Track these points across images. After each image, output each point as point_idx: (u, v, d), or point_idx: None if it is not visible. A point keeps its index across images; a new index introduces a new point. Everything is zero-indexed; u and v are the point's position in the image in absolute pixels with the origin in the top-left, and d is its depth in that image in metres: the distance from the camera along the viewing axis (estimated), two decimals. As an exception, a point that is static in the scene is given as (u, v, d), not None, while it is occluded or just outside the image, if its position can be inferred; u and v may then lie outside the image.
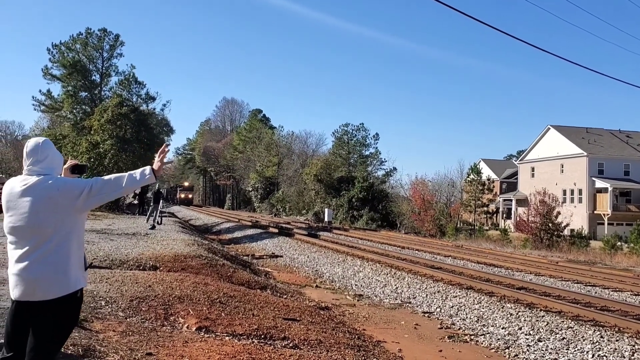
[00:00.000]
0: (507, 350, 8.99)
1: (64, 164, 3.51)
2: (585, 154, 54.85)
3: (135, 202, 37.08)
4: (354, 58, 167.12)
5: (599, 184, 53.70)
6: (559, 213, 39.93)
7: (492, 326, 10.47)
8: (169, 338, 6.14)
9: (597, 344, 9.03)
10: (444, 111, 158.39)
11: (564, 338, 9.45)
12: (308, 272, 17.52)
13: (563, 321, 10.39)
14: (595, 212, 53.38)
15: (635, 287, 15.92)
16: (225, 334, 6.92)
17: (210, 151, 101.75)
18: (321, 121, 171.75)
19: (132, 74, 48.82)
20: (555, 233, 39.01)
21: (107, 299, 7.44)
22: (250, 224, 37.52)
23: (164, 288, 8.52)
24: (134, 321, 6.71)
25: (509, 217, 62.80)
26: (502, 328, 10.29)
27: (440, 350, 8.78)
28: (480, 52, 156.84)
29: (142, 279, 9.08)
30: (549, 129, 60.79)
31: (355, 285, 15.24)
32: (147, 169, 3.33)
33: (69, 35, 63.02)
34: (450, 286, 14.24)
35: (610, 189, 52.59)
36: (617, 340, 9.13)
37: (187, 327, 6.99)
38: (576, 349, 8.89)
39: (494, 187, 63.74)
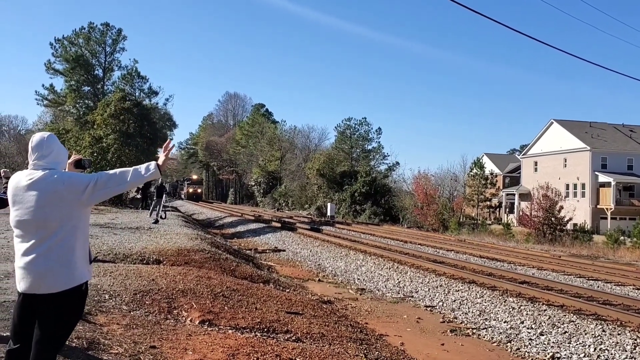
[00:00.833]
0: (509, 344, 9.01)
1: (69, 158, 3.54)
2: (589, 148, 54.72)
3: (139, 196, 37.16)
4: (356, 53, 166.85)
5: (602, 178, 53.60)
6: (561, 207, 39.89)
7: (494, 320, 10.50)
8: (173, 331, 6.18)
9: (598, 337, 9.06)
10: (447, 105, 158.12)
11: (566, 332, 9.47)
12: (311, 266, 17.57)
13: (565, 315, 10.42)
14: (598, 206, 53.30)
15: (638, 281, 15.93)
16: (228, 328, 6.96)
17: (213, 146, 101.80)
18: (324, 115, 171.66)
19: (134, 69, 48.93)
20: (558, 227, 39.00)
21: (111, 292, 7.48)
22: (253, 218, 37.58)
23: (167, 282, 8.57)
24: (137, 314, 6.75)
25: (511, 211, 62.73)
26: (504, 322, 10.31)
27: (443, 344, 8.82)
28: (483, 47, 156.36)
29: (146, 272, 9.13)
30: (552, 123, 60.64)
31: (358, 279, 15.27)
32: (152, 164, 3.35)
33: (71, 29, 63.04)
34: (452, 280, 14.28)
35: (613, 183, 52.49)
36: (619, 334, 9.15)
37: (191, 321, 7.03)
38: (578, 342, 8.91)
39: (496, 181, 63.75)
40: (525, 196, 56.35)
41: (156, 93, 50.96)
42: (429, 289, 13.50)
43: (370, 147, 70.63)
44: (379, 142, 70.87)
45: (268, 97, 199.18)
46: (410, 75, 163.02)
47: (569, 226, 40.72)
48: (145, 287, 8.03)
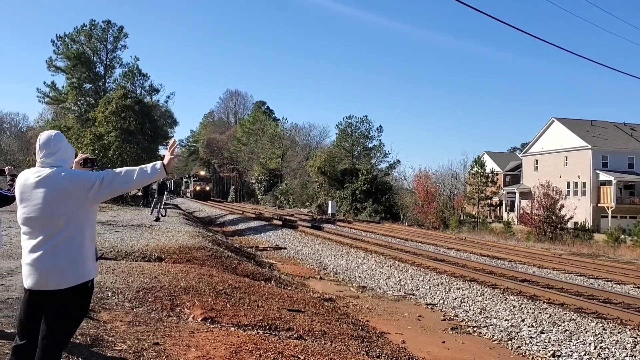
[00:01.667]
0: (510, 341, 9.05)
1: (75, 157, 3.58)
2: (590, 146, 54.70)
3: (140, 194, 37.18)
4: (358, 50, 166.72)
5: (603, 176, 53.60)
6: (562, 206, 39.90)
7: (495, 318, 10.53)
8: (176, 328, 6.22)
9: (599, 335, 9.09)
10: (447, 104, 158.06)
11: (566, 330, 9.50)
12: (312, 264, 17.61)
13: (566, 313, 10.45)
14: (599, 205, 53.30)
15: (638, 280, 15.97)
16: (230, 325, 6.99)
17: (213, 143, 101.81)
18: (325, 113, 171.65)
19: (136, 66, 48.88)
20: (559, 226, 39.01)
21: (114, 289, 7.52)
22: (254, 216, 37.63)
23: (169, 279, 8.60)
24: (140, 312, 6.79)
25: (512, 209, 62.76)
26: (505, 320, 10.35)
27: (444, 342, 8.85)
28: (484, 45, 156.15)
29: (148, 270, 9.16)
30: (553, 121, 60.61)
31: (359, 277, 15.31)
32: (158, 163, 3.39)
33: (73, 27, 63.04)
34: (453, 278, 14.31)
35: (614, 182, 52.48)
36: (619, 332, 9.19)
37: (193, 318, 7.07)
38: (579, 340, 8.94)
39: (497, 179, 63.76)
40: (526, 194, 56.37)
41: (157, 90, 50.94)
42: (429, 287, 13.53)
43: (371, 145, 70.68)
44: (380, 140, 71.09)
45: (269, 94, 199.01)
46: (411, 73, 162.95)
47: (569, 225, 40.74)
48: (147, 284, 8.06)
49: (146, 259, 11.44)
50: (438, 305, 11.86)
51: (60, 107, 51.25)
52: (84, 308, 3.29)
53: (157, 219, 22.09)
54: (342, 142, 69.30)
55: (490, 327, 9.96)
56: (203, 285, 8.57)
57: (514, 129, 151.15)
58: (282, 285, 11.64)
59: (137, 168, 3.36)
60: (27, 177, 3.26)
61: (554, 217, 39.12)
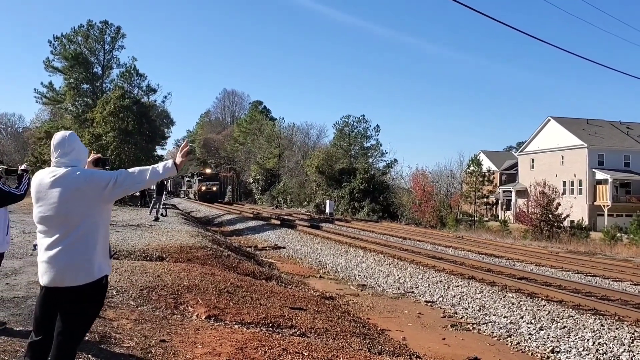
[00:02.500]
0: (509, 338, 9.15)
1: (88, 157, 3.67)
2: (586, 145, 54.92)
3: (137, 194, 37.22)
4: (355, 49, 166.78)
5: (599, 175, 53.82)
6: (559, 204, 40.07)
7: (494, 315, 10.64)
8: (180, 326, 6.30)
9: (597, 332, 9.20)
10: (444, 103, 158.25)
11: (565, 327, 9.61)
12: (311, 262, 17.69)
13: (564, 310, 10.56)
14: (595, 203, 53.51)
15: (635, 277, 16.10)
16: (234, 323, 7.08)
17: (210, 143, 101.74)
18: (322, 113, 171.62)
19: (133, 66, 48.85)
20: (555, 224, 39.17)
21: (118, 288, 7.60)
22: (251, 216, 37.68)
23: (172, 278, 8.69)
24: (145, 310, 6.87)
25: (508, 208, 62.97)
26: (504, 317, 10.46)
27: (444, 339, 8.95)
28: (481, 44, 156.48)
29: (151, 269, 9.24)
30: (549, 120, 60.82)
31: (359, 275, 15.40)
32: (170, 162, 3.48)
33: (70, 27, 62.95)
34: (452, 276, 14.42)
35: (610, 180, 52.71)
36: (617, 329, 9.30)
37: (197, 316, 7.15)
38: (577, 337, 9.05)
39: (493, 178, 63.92)
40: (522, 193, 56.56)
41: (154, 91, 50.90)
42: (429, 285, 13.64)
43: (368, 145, 70.79)
44: (378, 140, 71.05)
45: (266, 94, 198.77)
46: (408, 72, 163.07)
47: (566, 223, 40.91)
48: (151, 283, 8.14)
49: (148, 258, 11.51)
50: (437, 302, 11.96)
51: (57, 108, 51.22)
52: (99, 304, 3.37)
53: (157, 219, 22.15)
54: (340, 141, 69.39)
55: (490, 324, 10.07)
56: (205, 284, 8.66)
57: (510, 127, 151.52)
58: (283, 284, 11.73)
59: (149, 167, 3.46)
60: (42, 177, 3.34)
61: (550, 216, 39.28)
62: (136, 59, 49.49)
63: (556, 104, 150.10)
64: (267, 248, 21.04)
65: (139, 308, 6.89)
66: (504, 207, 64.96)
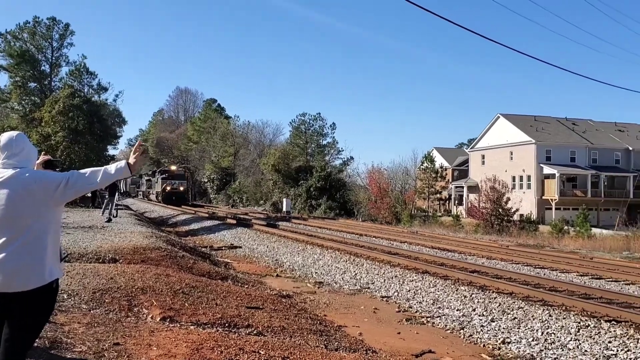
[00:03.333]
0: (462, 330, 9.38)
1: (37, 158, 3.58)
2: (534, 141, 56.59)
3: (89, 195, 36.30)
4: (309, 46, 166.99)
5: (547, 170, 55.56)
6: (508, 199, 41.20)
7: (448, 308, 10.88)
8: (135, 328, 6.21)
9: (545, 322, 9.52)
10: (398, 101, 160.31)
11: (515, 318, 9.91)
12: (268, 261, 17.67)
13: (514, 302, 10.89)
14: (543, 197, 55.23)
15: (581, 268, 16.72)
16: (190, 323, 7.02)
17: (163, 142, 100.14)
18: (278, 111, 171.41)
19: (83, 64, 47.63)
20: (506, 218, 40.28)
21: (69, 292, 7.43)
22: (207, 215, 37.30)
23: (126, 280, 8.54)
24: (98, 313, 6.75)
25: (460, 203, 64.33)
26: (457, 310, 10.71)
27: (399, 333, 9.11)
28: (431, 44, 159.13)
29: (104, 271, 9.06)
30: (498, 117, 62.40)
31: (316, 273, 15.48)
32: (123, 162, 3.43)
33: (15, 23, 60.80)
34: (406, 271, 14.66)
35: (557, 175, 54.47)
36: (564, 318, 9.64)
37: (152, 318, 7.06)
38: (527, 327, 9.35)
39: (446, 174, 65.24)
40: (474, 188, 57.91)
41: (105, 89, 49.77)
42: (384, 280, 13.83)
43: (325, 142, 71.19)
44: (334, 137, 71.55)
45: (220, 92, 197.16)
46: (362, 69, 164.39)
47: (515, 217, 42.11)
48: (104, 285, 7.99)
49: (100, 260, 11.29)
50: (393, 297, 12.15)
51: (3, 107, 49.46)
52: (49, 309, 3.30)
53: (109, 220, 21.71)
54: (296, 139, 69.50)
55: (443, 317, 10.30)
56: (160, 285, 8.55)
57: (462, 124, 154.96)
58: (239, 284, 11.68)
59: (102, 168, 3.40)
60: None
61: (500, 210, 40.36)
62: (86, 57, 48.33)
63: (506, 101, 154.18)
64: (223, 248, 20.90)
65: (92, 311, 6.76)
66: (456, 202, 66.33)
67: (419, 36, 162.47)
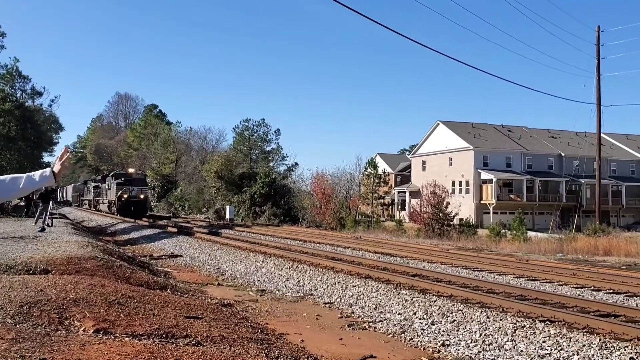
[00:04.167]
0: (403, 334, 9.45)
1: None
2: (472, 147, 58.24)
3: (22, 203, 34.76)
4: (251, 52, 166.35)
5: (485, 175, 57.24)
6: (448, 203, 42.15)
7: (389, 312, 10.96)
8: (65, 342, 5.92)
9: (484, 324, 9.72)
10: (342, 108, 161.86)
11: (454, 320, 10.08)
12: (209, 270, 17.36)
13: (454, 304, 11.07)
14: (481, 201, 56.85)
15: (517, 270, 17.23)
16: (125, 335, 6.76)
17: (102, 149, 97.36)
18: (221, 117, 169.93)
19: (15, 68, 45.54)
20: (446, 222, 41.16)
21: (-6, 306, 7.03)
22: (147, 224, 36.41)
23: (57, 291, 8.16)
24: (24, 327, 6.40)
25: (403, 208, 65.43)
26: (399, 314, 10.80)
27: (341, 339, 9.09)
28: (372, 50, 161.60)
29: (33, 283, 8.63)
30: (438, 124, 63.92)
31: (258, 280, 15.31)
32: (48, 170, 3.25)
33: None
34: (349, 276, 14.69)
35: (494, 180, 56.21)
36: (501, 320, 9.87)
37: (84, 330, 6.76)
38: (465, 329, 9.52)
39: (389, 180, 66.23)
40: (415, 193, 59.04)
41: (40, 94, 47.79)
42: (327, 286, 13.81)
43: (269, 148, 70.83)
44: (278, 143, 71.27)
45: (161, 98, 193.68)
46: (305, 75, 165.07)
47: (455, 221, 43.10)
48: (32, 298, 7.60)
49: (31, 271, 10.77)
50: (335, 303, 12.14)
51: None
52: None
53: (43, 230, 20.82)
54: (240, 145, 68.83)
55: (385, 321, 10.36)
56: (94, 296, 8.22)
57: (404, 131, 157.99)
58: (179, 293, 11.39)
59: (24, 176, 3.20)
60: None
61: (441, 215, 41.22)
62: (19, 60, 46.13)
63: (446, 108, 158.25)
64: (163, 257, 20.41)
65: (18, 326, 6.40)
66: (399, 207, 67.41)
67: (357, 44, 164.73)
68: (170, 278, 14.72)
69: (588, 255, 25.70)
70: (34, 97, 47.39)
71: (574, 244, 29.62)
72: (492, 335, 9.14)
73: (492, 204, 55.63)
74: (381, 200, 60.12)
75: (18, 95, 45.15)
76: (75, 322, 7.02)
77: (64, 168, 3.37)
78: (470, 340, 8.94)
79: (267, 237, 28.70)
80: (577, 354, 7.99)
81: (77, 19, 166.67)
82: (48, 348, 5.57)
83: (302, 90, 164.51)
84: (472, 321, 9.93)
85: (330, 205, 49.03)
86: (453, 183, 58.37)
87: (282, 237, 29.19)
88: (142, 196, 44.99)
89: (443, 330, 9.56)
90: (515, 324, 9.59)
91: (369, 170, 57.85)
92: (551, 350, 8.26)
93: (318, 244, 25.59)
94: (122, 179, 46.20)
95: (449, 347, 8.72)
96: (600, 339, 8.44)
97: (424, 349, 8.71)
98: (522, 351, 8.31)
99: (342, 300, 12.33)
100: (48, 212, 23.36)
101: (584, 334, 8.77)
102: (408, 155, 76.15)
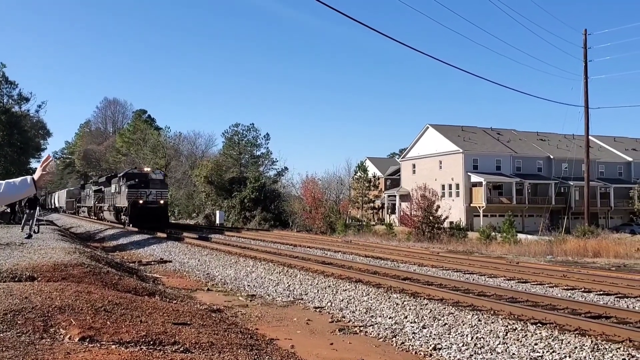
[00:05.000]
0: (394, 338, 9.38)
1: None
2: (461, 150, 58.43)
3: (7, 210, 34.36)
4: (240, 56, 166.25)
5: (474, 178, 57.42)
6: (438, 207, 42.22)
7: (380, 316, 10.88)
8: (49, 351, 5.79)
9: (475, 327, 9.67)
10: (331, 112, 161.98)
11: (446, 324, 10.02)
12: (199, 275, 17.21)
13: (445, 308, 11.02)
14: (471, 204, 56.99)
15: (508, 272, 17.22)
16: (111, 342, 6.64)
17: (91, 154, 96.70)
18: (210, 121, 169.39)
19: (2, 73, 45.15)
20: (436, 226, 41.22)
21: (-23, 314, 6.87)
22: (136, 230, 36.10)
23: (42, 299, 8.02)
24: (8, 336, 6.26)
25: (393, 212, 65.47)
26: (389, 318, 10.72)
27: (332, 343, 9.00)
28: (362, 55, 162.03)
29: (18, 290, 8.48)
30: (427, 127, 64.07)
31: (248, 285, 15.19)
32: (28, 178, 3.14)
33: None
34: (340, 280, 14.61)
35: (484, 182, 56.39)
36: (492, 322, 9.83)
37: (70, 338, 6.63)
38: (457, 333, 9.46)
39: (379, 183, 66.30)
40: (405, 197, 59.11)
41: (27, 99, 47.39)
42: (318, 291, 13.72)
43: (259, 153, 70.64)
44: (268, 148, 71.08)
45: (150, 103, 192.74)
46: (294, 80, 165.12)
47: (445, 224, 43.18)
48: (17, 305, 7.45)
49: (16, 279, 10.60)
50: (326, 308, 12.05)
51: None
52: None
53: (29, 236, 20.59)
54: (229, 150, 68.59)
55: (376, 325, 10.28)
56: (80, 303, 8.08)
57: (394, 135, 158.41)
58: (168, 299, 11.25)
59: (3, 182, 3.09)
60: None
61: (431, 218, 41.27)
62: (5, 65, 45.73)
63: (434, 112, 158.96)
64: (152, 263, 20.22)
65: (1, 334, 6.26)
66: (389, 211, 67.44)
67: (347, 48, 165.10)
68: (159, 284, 14.57)
69: (578, 257, 25.80)
70: (21, 102, 47.03)
71: (563, 246, 29.74)
72: (483, 338, 9.09)
73: (482, 206, 55.79)
74: (371, 204, 60.20)
75: (4, 101, 44.77)
76: (61, 329, 6.89)
77: (46, 175, 3.27)
78: (462, 344, 8.88)
79: (257, 242, 28.55)
80: (570, 356, 7.96)
81: (64, 24, 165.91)
82: (32, 357, 5.44)
83: (291, 95, 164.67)
84: (463, 324, 9.87)
85: (321, 210, 48.99)
86: (443, 186, 58.51)
87: (272, 242, 29.05)
88: (162, 202, 35.79)
89: (435, 334, 9.49)
90: (507, 326, 9.55)
91: (359, 174, 57.93)
92: (543, 352, 8.22)
93: (308, 248, 25.49)
94: (136, 180, 35.91)
95: (441, 351, 8.65)
96: (592, 341, 8.41)
97: (416, 352, 8.65)
98: (514, 354, 8.26)
99: (333, 305, 12.24)
100: (35, 219, 23.10)
101: (575, 336, 8.74)
102: (398, 159, 76.28)
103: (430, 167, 61.34)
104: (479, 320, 10.00)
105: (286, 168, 69.97)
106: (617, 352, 7.99)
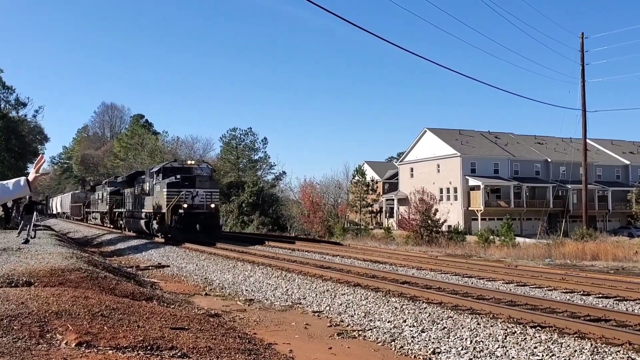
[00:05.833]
0: (393, 342, 9.33)
1: None
2: (459, 154, 58.47)
3: (2, 214, 34.24)
4: (238, 62, 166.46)
5: (472, 182, 57.45)
6: (436, 210, 42.23)
7: (379, 320, 10.84)
8: (46, 356, 5.75)
9: (474, 330, 9.63)
10: (329, 116, 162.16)
11: (445, 327, 9.98)
12: (197, 280, 17.15)
13: (444, 311, 10.98)
14: (469, 208, 57.00)
15: (507, 276, 17.19)
16: (108, 348, 6.59)
17: (88, 159, 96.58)
18: (208, 126, 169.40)
19: (-2, 78, 45.13)
20: (434, 229, 41.21)
21: (-28, 320, 6.82)
22: (134, 234, 36.00)
23: (39, 304, 7.97)
24: (4, 342, 6.21)
25: (391, 215, 65.48)
26: (388, 322, 10.68)
27: (330, 348, 8.96)
28: (361, 59, 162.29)
29: (14, 296, 8.43)
30: (425, 131, 64.13)
31: (246, 290, 15.13)
32: (22, 179, 3.12)
33: None
34: (338, 284, 14.57)
35: (482, 186, 56.43)
36: (491, 326, 9.79)
37: (66, 344, 6.58)
38: (456, 336, 9.42)
39: (377, 187, 66.25)
40: (404, 201, 59.13)
41: (24, 104, 47.41)
42: (316, 295, 13.67)
43: (256, 157, 70.69)
44: (265, 152, 71.16)
45: (148, 108, 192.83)
46: (292, 84, 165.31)
47: (444, 228, 43.18)
48: (13, 311, 7.41)
49: (12, 284, 10.54)
50: (324, 312, 12.00)
51: None
52: None
53: (26, 241, 20.53)
54: (227, 154, 68.62)
55: (375, 329, 10.23)
56: (77, 308, 8.03)
57: (392, 138, 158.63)
58: (165, 304, 11.21)
59: None
60: None
61: (429, 221, 41.27)
62: (2, 71, 45.70)
63: (432, 115, 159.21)
64: (150, 267, 20.15)
65: (-3, 340, 6.21)
66: (387, 214, 67.47)
67: (345, 53, 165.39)
68: (157, 289, 14.51)
69: (576, 260, 25.77)
70: (18, 107, 47.05)
71: (561, 249, 29.72)
72: (483, 341, 9.05)
73: (480, 210, 55.80)
74: (369, 208, 60.18)
75: (2, 106, 44.77)
76: (57, 335, 6.84)
77: (39, 176, 3.24)
78: (461, 347, 8.84)
79: (255, 246, 28.49)
80: (569, 360, 7.93)
81: (62, 28, 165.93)
82: (27, 362, 5.40)
83: (289, 99, 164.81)
84: (462, 328, 9.83)
85: (319, 214, 48.97)
86: (441, 190, 58.54)
87: (270, 246, 28.99)
88: (212, 205, 28.24)
89: (433, 338, 9.45)
90: (506, 330, 9.51)
91: (357, 178, 57.94)
92: (543, 356, 8.19)
93: (306, 252, 25.44)
94: (177, 176, 27.98)
95: (440, 355, 8.61)
96: (591, 344, 8.38)
97: (415, 357, 8.60)
98: (513, 357, 8.22)
99: (331, 309, 12.19)
100: (32, 224, 23.04)
101: (575, 339, 8.71)
102: (396, 162, 76.31)
103: (428, 170, 61.37)
104: (478, 324, 9.96)
105: (284, 172, 70.18)
106: (617, 355, 7.96)
